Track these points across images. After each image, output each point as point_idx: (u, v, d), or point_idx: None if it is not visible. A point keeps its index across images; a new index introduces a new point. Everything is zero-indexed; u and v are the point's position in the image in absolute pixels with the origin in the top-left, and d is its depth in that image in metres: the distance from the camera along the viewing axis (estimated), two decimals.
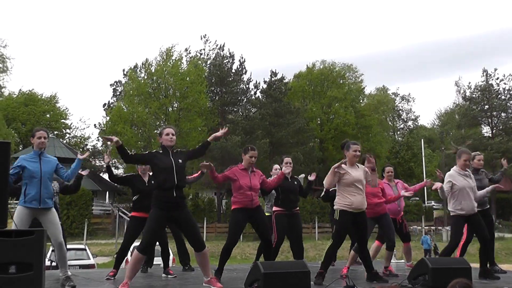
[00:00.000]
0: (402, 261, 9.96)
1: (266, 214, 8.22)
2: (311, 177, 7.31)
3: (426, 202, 45.23)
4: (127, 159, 5.62)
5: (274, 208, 7.26)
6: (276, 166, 8.47)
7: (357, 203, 6.12)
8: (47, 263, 10.90)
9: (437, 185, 6.70)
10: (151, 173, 7.15)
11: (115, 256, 8.51)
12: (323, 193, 8.31)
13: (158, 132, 5.74)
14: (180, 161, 5.51)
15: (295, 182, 7.30)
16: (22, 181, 5.87)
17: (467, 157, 6.74)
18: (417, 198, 46.17)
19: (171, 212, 5.41)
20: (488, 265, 7.34)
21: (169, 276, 7.39)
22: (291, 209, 7.14)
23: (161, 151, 5.57)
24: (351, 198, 6.11)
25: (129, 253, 9.30)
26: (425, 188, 46.78)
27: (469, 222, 6.77)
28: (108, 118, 39.96)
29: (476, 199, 6.79)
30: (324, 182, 6.24)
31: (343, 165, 6.22)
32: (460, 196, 6.62)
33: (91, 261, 15.96)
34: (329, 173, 6.15)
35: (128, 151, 5.55)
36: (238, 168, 6.49)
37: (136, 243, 6.88)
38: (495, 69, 46.18)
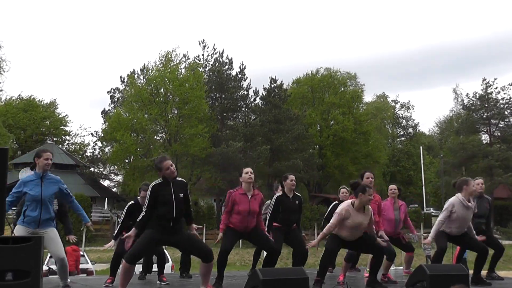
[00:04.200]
0: (401, 267, 9.95)
1: None
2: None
3: (425, 209, 45.21)
4: (149, 217, 5.40)
5: (273, 224, 7.12)
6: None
7: (351, 237, 6.26)
8: (45, 268, 10.88)
9: (427, 241, 6.81)
10: None
11: None
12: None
13: (156, 165, 5.56)
14: (181, 195, 5.43)
15: (296, 202, 7.07)
16: (24, 203, 5.78)
17: (471, 183, 6.78)
18: (416, 205, 46.19)
19: (165, 237, 5.41)
20: (488, 271, 7.38)
21: (162, 283, 7.38)
22: (290, 226, 6.99)
23: (161, 181, 5.46)
24: (346, 234, 6.22)
25: None
26: (424, 195, 47.08)
27: (458, 242, 6.90)
28: (106, 125, 39.84)
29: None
30: (325, 228, 6.34)
31: (351, 206, 6.21)
32: (453, 222, 6.72)
33: (89, 265, 15.94)
34: (317, 239, 6.34)
35: (142, 216, 5.42)
36: (238, 193, 6.43)
37: None
38: (495, 79, 46.48)
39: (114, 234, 7.53)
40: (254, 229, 6.48)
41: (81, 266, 14.89)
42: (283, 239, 6.95)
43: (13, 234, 5.55)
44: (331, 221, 6.23)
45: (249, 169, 6.52)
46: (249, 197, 6.37)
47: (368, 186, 6.27)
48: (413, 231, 8.23)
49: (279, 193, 7.12)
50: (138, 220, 5.48)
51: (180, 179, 5.57)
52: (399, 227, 7.78)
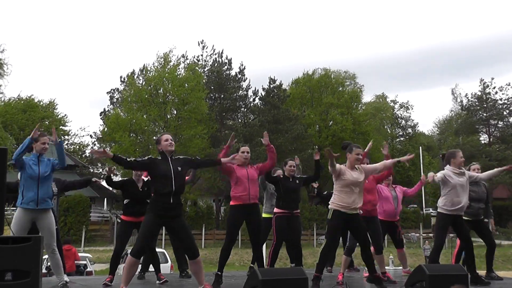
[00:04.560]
0: (400, 267, 9.97)
1: (266, 215, 8.25)
2: (296, 161, 7.47)
3: (424, 209, 45.21)
4: (127, 165, 5.53)
5: (275, 210, 7.32)
6: (279, 171, 8.54)
7: (351, 203, 6.10)
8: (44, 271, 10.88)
9: (430, 176, 6.84)
10: (145, 179, 7.24)
11: None
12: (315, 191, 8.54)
13: (156, 139, 5.75)
14: (179, 168, 5.49)
15: (297, 181, 7.38)
16: (20, 183, 5.95)
17: (459, 154, 6.92)
18: (415, 206, 46.17)
19: (166, 219, 5.41)
20: (486, 271, 7.40)
21: (160, 282, 7.39)
22: (292, 209, 7.22)
23: (160, 158, 5.56)
24: (346, 198, 6.11)
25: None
26: (423, 195, 47.08)
27: (454, 224, 6.87)
28: (105, 126, 39.71)
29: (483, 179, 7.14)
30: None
31: (343, 166, 6.25)
32: (451, 194, 6.76)
33: (87, 254, 16.00)
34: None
35: (126, 158, 5.51)
36: (235, 165, 6.63)
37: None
38: (492, 78, 46.60)
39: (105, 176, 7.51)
40: (256, 209, 6.59)
41: (80, 255, 14.98)
42: (286, 228, 7.14)
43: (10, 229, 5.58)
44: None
45: (246, 148, 6.75)
46: (246, 166, 6.63)
47: (355, 145, 6.34)
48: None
49: (280, 175, 7.47)
50: (125, 158, 5.48)
51: (179, 156, 5.68)
52: (398, 208, 7.91)
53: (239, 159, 6.50)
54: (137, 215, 6.83)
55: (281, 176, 7.41)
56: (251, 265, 8.49)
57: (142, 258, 7.64)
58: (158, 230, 5.66)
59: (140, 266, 8.19)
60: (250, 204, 6.48)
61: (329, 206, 6.30)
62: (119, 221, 27.32)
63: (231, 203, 6.58)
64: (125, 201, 7.22)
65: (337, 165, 6.17)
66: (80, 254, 14.75)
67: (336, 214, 6.15)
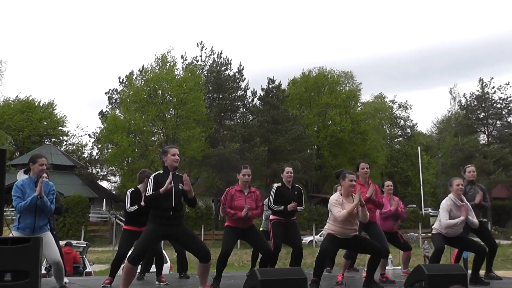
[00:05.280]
0: (399, 267, 9.98)
1: (262, 229, 8.24)
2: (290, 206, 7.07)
3: (423, 210, 45.24)
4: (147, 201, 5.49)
5: (272, 217, 7.22)
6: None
7: (346, 233, 6.15)
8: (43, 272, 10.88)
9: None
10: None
11: None
12: None
13: (162, 150, 5.71)
14: (180, 186, 5.48)
15: (296, 192, 7.23)
16: (17, 209, 5.71)
17: (459, 182, 6.83)
18: (414, 205, 46.19)
19: (167, 230, 5.42)
20: (485, 271, 7.40)
21: (161, 283, 7.39)
22: (289, 218, 7.12)
23: (162, 172, 5.54)
24: (341, 229, 6.14)
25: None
26: (422, 195, 47.12)
27: (455, 243, 6.91)
28: (103, 126, 39.60)
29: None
30: (339, 215, 6.07)
31: (339, 195, 6.23)
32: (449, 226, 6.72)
33: (88, 268, 15.88)
34: (347, 212, 6.00)
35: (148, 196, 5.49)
36: (235, 189, 6.58)
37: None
38: (491, 78, 46.63)
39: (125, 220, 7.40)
40: (252, 228, 6.58)
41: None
42: (283, 234, 7.04)
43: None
44: (334, 211, 6.12)
45: (247, 171, 6.63)
46: (246, 193, 6.55)
47: (348, 172, 6.32)
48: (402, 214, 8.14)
49: (278, 184, 7.30)
50: (145, 196, 5.49)
51: (179, 174, 5.62)
52: (396, 223, 7.92)
53: (240, 181, 6.56)
54: (140, 225, 6.67)
55: (280, 185, 7.26)
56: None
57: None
58: (158, 239, 5.66)
59: (140, 266, 8.21)
60: (245, 228, 6.51)
61: (324, 230, 6.34)
62: (118, 222, 27.14)
63: (226, 223, 6.59)
64: (130, 210, 7.11)
65: (334, 202, 6.14)
66: (75, 244, 14.78)
67: (330, 237, 6.21)
